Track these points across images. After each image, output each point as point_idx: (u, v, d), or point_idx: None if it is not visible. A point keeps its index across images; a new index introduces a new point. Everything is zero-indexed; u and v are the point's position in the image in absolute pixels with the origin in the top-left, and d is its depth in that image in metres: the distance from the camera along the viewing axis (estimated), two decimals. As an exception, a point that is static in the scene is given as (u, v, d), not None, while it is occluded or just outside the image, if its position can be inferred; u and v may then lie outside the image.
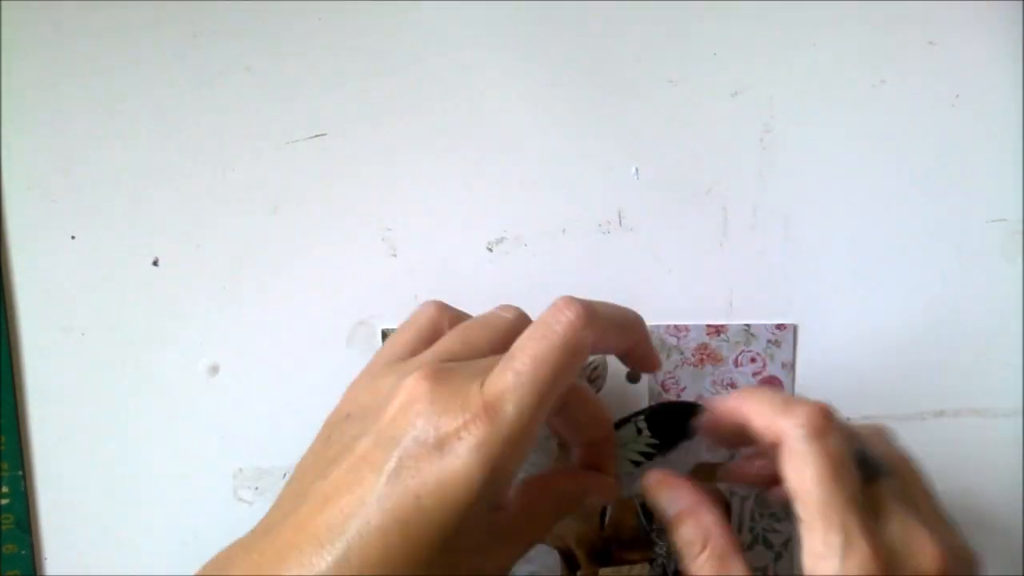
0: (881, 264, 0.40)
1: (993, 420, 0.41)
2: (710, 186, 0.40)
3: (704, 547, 0.32)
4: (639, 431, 0.39)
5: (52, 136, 0.39)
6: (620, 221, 0.40)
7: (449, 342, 0.32)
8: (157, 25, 0.39)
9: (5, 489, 0.39)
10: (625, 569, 0.40)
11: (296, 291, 0.39)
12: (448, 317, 0.34)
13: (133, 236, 0.39)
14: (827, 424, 0.31)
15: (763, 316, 0.40)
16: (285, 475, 0.39)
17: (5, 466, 0.39)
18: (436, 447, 0.28)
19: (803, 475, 0.30)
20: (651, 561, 0.40)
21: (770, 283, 0.40)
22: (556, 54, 0.39)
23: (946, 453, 0.40)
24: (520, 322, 0.33)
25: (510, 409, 0.28)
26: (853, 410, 0.40)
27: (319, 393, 0.39)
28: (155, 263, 0.39)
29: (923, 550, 0.30)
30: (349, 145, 0.39)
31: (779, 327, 0.40)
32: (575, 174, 0.40)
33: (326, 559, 0.27)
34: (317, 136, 0.39)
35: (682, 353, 0.40)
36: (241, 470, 0.39)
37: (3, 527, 0.39)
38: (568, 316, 0.30)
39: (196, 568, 0.38)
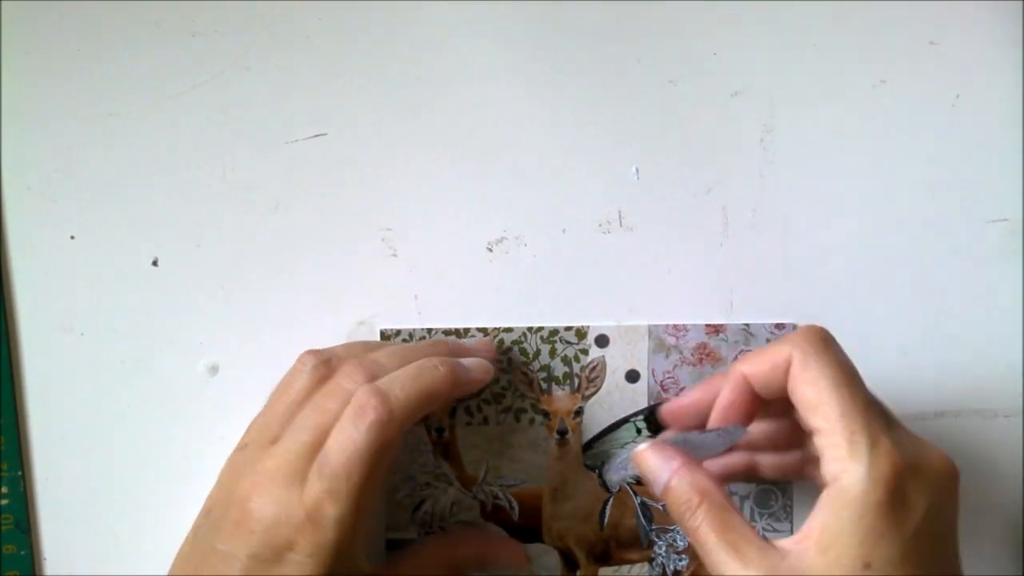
0: (881, 264, 0.40)
1: (993, 420, 0.41)
2: (710, 186, 0.40)
3: (701, 501, 0.32)
4: (639, 431, 0.39)
5: (52, 136, 0.39)
6: (620, 221, 0.40)
7: (268, 420, 0.34)
8: (157, 25, 0.39)
9: (4, 489, 0.39)
10: (625, 569, 0.40)
11: (296, 291, 0.39)
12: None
13: (133, 236, 0.39)
14: (829, 337, 0.32)
15: (762, 316, 0.40)
16: (285, 475, 0.39)
17: (5, 466, 0.39)
18: (274, 561, 0.31)
19: (819, 385, 0.31)
20: (651, 561, 0.40)
21: (770, 283, 0.40)
22: (556, 54, 0.39)
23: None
24: (320, 370, 0.35)
25: (333, 512, 0.31)
26: (853, 410, 0.40)
27: (319, 393, 0.39)
28: (155, 263, 0.39)
29: (931, 452, 0.31)
30: (349, 145, 0.39)
31: (778, 326, 0.40)
32: (575, 174, 0.40)
33: None
34: (317, 136, 0.39)
35: (681, 353, 0.40)
36: (241, 470, 0.39)
37: (2, 527, 0.39)
38: (370, 417, 0.32)
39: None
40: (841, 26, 0.40)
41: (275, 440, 0.33)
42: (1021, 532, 0.41)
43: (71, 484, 0.39)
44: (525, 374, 0.39)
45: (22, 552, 0.39)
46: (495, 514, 0.39)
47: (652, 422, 0.39)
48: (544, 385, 0.39)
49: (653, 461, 0.34)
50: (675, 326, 0.40)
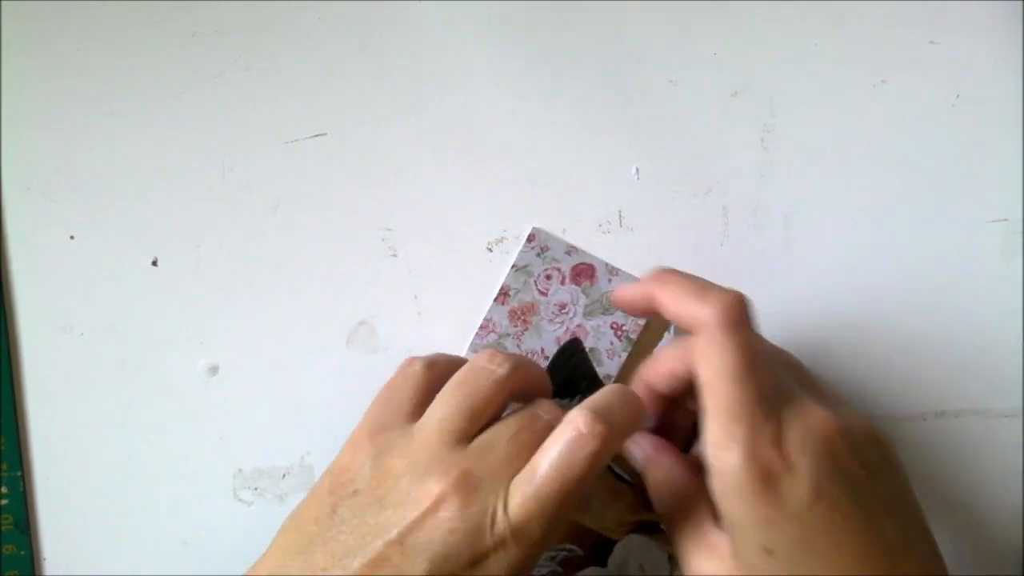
0: (881, 264, 0.40)
1: (993, 420, 0.41)
2: (710, 186, 0.40)
3: (670, 487, 0.33)
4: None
5: (52, 136, 0.39)
6: (620, 221, 0.40)
7: (452, 413, 0.32)
8: (157, 25, 0.39)
9: (4, 489, 0.39)
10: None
11: (296, 291, 0.39)
12: (435, 373, 0.34)
13: (133, 236, 0.39)
14: (743, 315, 0.31)
15: (762, 316, 0.40)
16: (284, 475, 0.39)
17: (4, 466, 0.39)
18: (469, 565, 0.29)
19: (715, 367, 0.30)
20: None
21: (770, 283, 0.40)
22: (556, 54, 0.40)
23: (946, 453, 0.40)
24: (514, 372, 0.33)
25: (536, 533, 0.29)
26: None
27: (319, 393, 0.39)
28: (155, 263, 0.39)
29: (813, 414, 0.30)
30: (349, 145, 0.39)
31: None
32: (575, 174, 0.40)
33: None
34: (317, 136, 0.39)
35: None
36: (241, 470, 0.39)
37: (2, 527, 0.39)
38: (594, 446, 0.30)
39: (196, 568, 0.38)
40: (841, 26, 0.40)
41: (457, 437, 0.31)
42: (1021, 532, 0.41)
43: (71, 484, 0.39)
44: None
45: (22, 552, 0.39)
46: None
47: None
48: None
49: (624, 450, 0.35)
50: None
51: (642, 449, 0.34)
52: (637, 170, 0.40)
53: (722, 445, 0.30)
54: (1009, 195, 0.40)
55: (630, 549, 0.39)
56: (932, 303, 0.40)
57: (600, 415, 0.30)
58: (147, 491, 0.39)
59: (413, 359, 0.34)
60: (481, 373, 0.33)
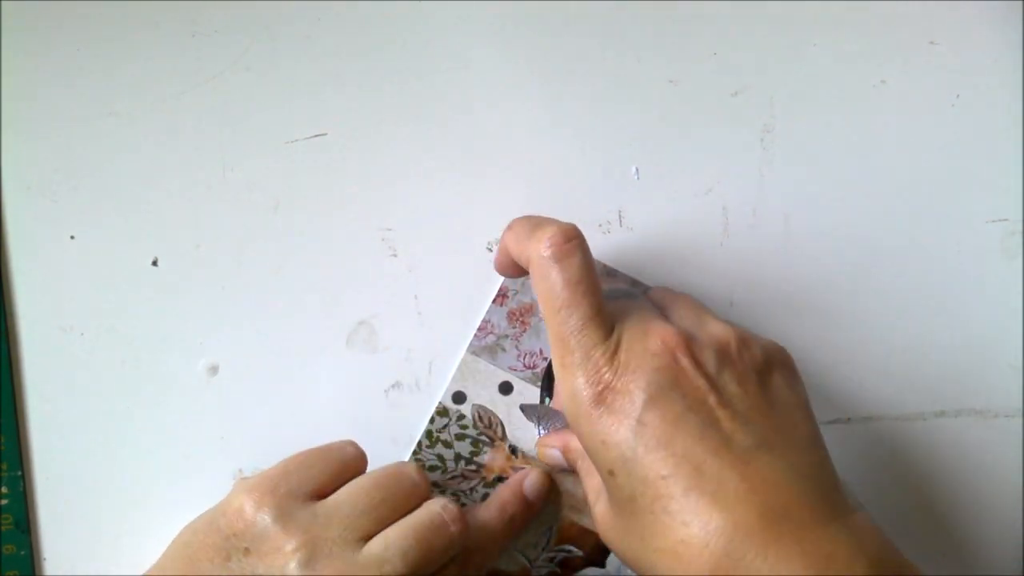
0: (881, 264, 0.40)
1: (993, 420, 0.40)
2: (710, 186, 0.40)
3: (581, 458, 0.35)
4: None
5: (52, 136, 0.39)
6: (620, 221, 0.40)
7: (360, 512, 0.33)
8: (157, 25, 0.39)
9: (4, 489, 0.39)
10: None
11: (296, 291, 0.39)
12: (362, 464, 0.36)
13: (133, 236, 0.39)
14: (570, 245, 0.32)
15: (762, 316, 0.40)
16: (285, 475, 0.39)
17: (4, 466, 0.39)
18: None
19: (545, 300, 0.32)
20: None
21: (770, 283, 0.40)
22: (556, 54, 0.40)
23: (946, 453, 0.40)
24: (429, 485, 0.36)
25: None
26: (853, 410, 0.40)
27: (319, 393, 0.39)
28: (155, 263, 0.39)
29: (652, 330, 0.31)
30: (349, 145, 0.39)
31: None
32: (575, 174, 0.40)
33: None
34: (317, 136, 0.39)
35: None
36: (241, 470, 0.39)
37: (2, 527, 0.39)
38: (452, 532, 0.33)
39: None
40: (841, 26, 0.40)
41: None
42: (1021, 532, 0.41)
43: (71, 484, 0.39)
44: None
45: (22, 552, 0.39)
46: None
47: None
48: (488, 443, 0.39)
49: (547, 456, 0.38)
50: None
51: (558, 437, 0.37)
52: (637, 170, 0.40)
53: (560, 375, 0.31)
54: (1009, 195, 0.40)
55: None
56: (932, 303, 0.40)
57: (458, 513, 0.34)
58: (147, 491, 0.39)
59: (351, 442, 0.36)
60: (403, 480, 0.34)
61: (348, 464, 0.35)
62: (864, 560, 0.28)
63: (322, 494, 0.34)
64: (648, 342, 0.31)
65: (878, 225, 0.40)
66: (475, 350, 0.39)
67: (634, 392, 0.30)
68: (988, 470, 0.40)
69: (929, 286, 0.40)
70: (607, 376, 0.30)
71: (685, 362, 0.30)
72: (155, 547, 0.39)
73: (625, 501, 0.30)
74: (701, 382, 0.30)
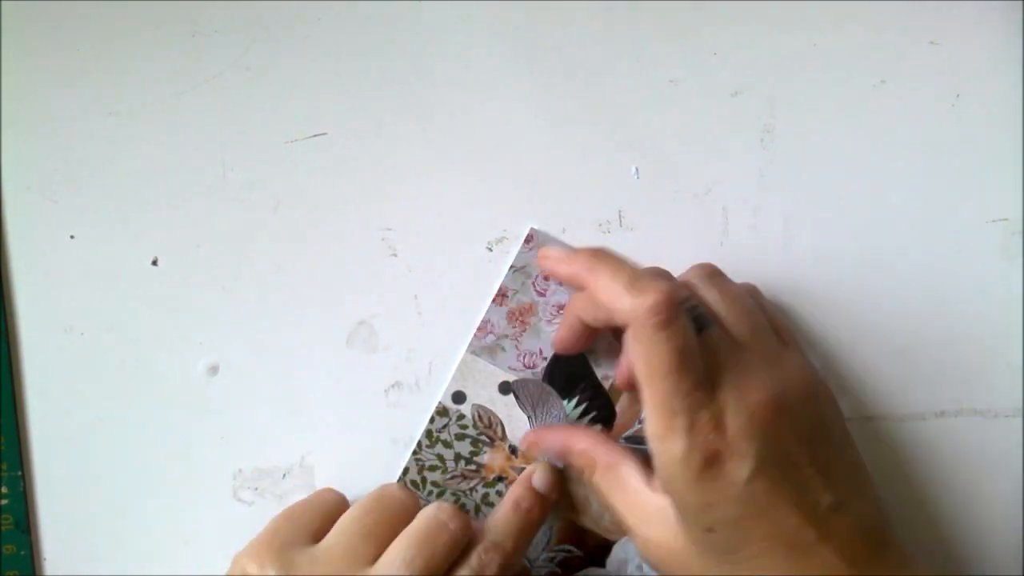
0: (881, 264, 0.40)
1: (993, 420, 0.40)
2: (710, 186, 0.40)
3: (594, 470, 0.35)
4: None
5: (52, 136, 0.39)
6: (620, 221, 0.40)
7: (357, 539, 0.35)
8: (157, 25, 0.39)
9: (4, 489, 0.39)
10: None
11: (296, 291, 0.39)
12: (343, 501, 0.37)
13: (133, 236, 0.39)
14: (674, 312, 0.32)
15: (763, 316, 0.40)
16: (284, 475, 0.39)
17: (5, 466, 0.39)
18: None
19: (649, 364, 0.32)
20: None
21: (770, 283, 0.40)
22: (556, 54, 0.40)
23: (946, 453, 0.40)
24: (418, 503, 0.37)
25: None
26: (853, 410, 0.40)
27: (319, 393, 0.39)
28: (155, 263, 0.39)
29: (750, 390, 0.32)
30: (349, 145, 0.39)
31: (779, 327, 0.40)
32: (575, 174, 0.40)
33: None
34: (317, 136, 0.39)
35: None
36: (241, 470, 0.39)
37: (2, 528, 0.39)
38: (451, 529, 0.34)
39: (196, 568, 0.38)
40: (841, 26, 0.40)
41: None
42: (1021, 532, 0.41)
43: (71, 484, 0.39)
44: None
45: (22, 552, 0.39)
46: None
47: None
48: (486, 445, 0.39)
49: (541, 454, 0.38)
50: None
51: (558, 437, 0.37)
52: (637, 170, 0.40)
53: (663, 437, 0.31)
54: (1009, 195, 0.40)
55: (628, 549, 0.39)
56: (932, 303, 0.40)
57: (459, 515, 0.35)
58: (147, 491, 0.39)
59: (329, 488, 0.38)
60: (389, 501, 0.36)
61: (332, 506, 0.37)
62: None
63: (316, 539, 0.35)
64: (749, 403, 0.32)
65: (878, 225, 0.40)
66: (475, 350, 0.39)
67: (743, 459, 0.31)
68: (988, 470, 0.40)
69: (929, 286, 0.40)
70: (715, 440, 0.31)
71: (785, 425, 0.32)
72: (155, 547, 0.39)
73: (717, 551, 0.32)
74: (798, 448, 0.32)
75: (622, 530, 0.34)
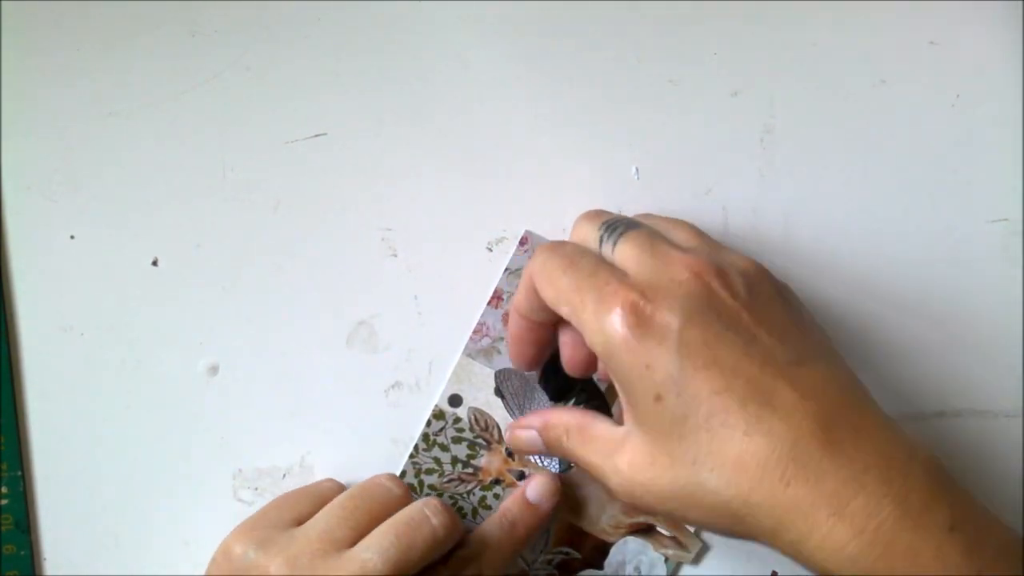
0: (881, 264, 0.40)
1: (993, 420, 0.40)
2: (710, 186, 0.40)
3: (567, 433, 0.34)
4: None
5: (52, 136, 0.39)
6: (620, 221, 0.40)
7: (336, 523, 0.35)
8: (157, 25, 0.39)
9: (4, 489, 0.39)
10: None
11: (296, 291, 0.39)
12: (337, 488, 0.37)
13: (133, 236, 0.39)
14: (559, 242, 0.34)
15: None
16: (284, 475, 0.39)
17: (4, 466, 0.39)
18: None
19: (551, 281, 0.32)
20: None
21: (770, 283, 0.40)
22: (556, 54, 0.40)
23: (946, 453, 0.40)
24: (407, 495, 0.36)
25: None
26: (853, 410, 0.40)
27: (319, 393, 0.39)
28: (155, 263, 0.39)
29: (672, 261, 0.31)
30: (349, 145, 0.39)
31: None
32: (575, 174, 0.40)
33: None
34: (317, 136, 0.39)
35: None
36: (241, 470, 0.39)
37: (2, 528, 0.39)
38: (433, 524, 0.34)
39: (196, 568, 0.38)
40: (841, 26, 0.40)
41: None
42: (1021, 532, 0.41)
43: (71, 484, 0.39)
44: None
45: (22, 552, 0.39)
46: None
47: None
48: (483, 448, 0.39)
49: (522, 441, 0.36)
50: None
51: (535, 417, 0.36)
52: (637, 170, 0.40)
53: (585, 319, 0.31)
54: (1009, 195, 0.40)
55: (626, 551, 0.39)
56: (932, 303, 0.40)
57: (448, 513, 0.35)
58: (147, 491, 0.39)
59: (330, 479, 0.38)
60: (376, 489, 0.36)
61: (325, 493, 0.37)
62: (918, 463, 0.30)
63: (301, 522, 0.35)
64: (673, 271, 0.31)
65: (878, 225, 0.40)
66: (471, 353, 0.39)
67: (669, 315, 0.30)
68: (988, 470, 0.40)
69: (929, 286, 0.40)
70: (642, 303, 0.30)
71: (715, 284, 0.31)
72: (155, 547, 0.39)
73: (672, 425, 0.30)
74: (734, 303, 0.30)
75: (594, 478, 0.33)
